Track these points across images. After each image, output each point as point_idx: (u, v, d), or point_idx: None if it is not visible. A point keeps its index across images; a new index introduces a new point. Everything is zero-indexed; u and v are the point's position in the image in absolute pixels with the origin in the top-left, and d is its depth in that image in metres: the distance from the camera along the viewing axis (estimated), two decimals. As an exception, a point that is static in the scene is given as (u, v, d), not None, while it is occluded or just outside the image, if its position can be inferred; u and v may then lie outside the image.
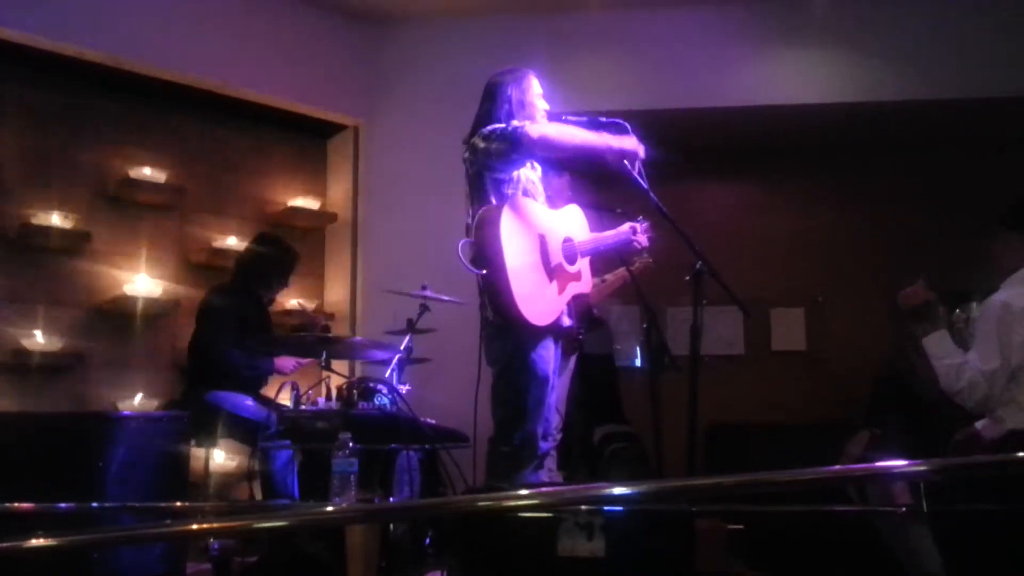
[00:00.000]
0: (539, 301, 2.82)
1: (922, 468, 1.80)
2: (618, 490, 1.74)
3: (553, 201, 3.25)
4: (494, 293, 2.74)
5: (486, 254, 2.75)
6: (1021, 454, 1.78)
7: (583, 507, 2.18)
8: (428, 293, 3.61)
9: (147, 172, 4.42)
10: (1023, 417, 2.64)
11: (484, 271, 2.74)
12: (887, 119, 5.19)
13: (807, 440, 4.77)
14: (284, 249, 4.10)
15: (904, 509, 2.34)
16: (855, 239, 5.61)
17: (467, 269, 2.78)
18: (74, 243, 4.19)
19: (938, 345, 2.81)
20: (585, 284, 3.14)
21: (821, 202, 5.77)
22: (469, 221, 2.89)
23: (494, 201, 2.87)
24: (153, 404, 4.18)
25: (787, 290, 5.64)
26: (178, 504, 3.00)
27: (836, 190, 5.74)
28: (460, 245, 2.78)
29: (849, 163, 5.65)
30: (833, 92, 4.95)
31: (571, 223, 3.10)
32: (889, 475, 1.91)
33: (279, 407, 3.33)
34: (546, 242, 2.93)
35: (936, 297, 2.91)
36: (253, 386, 3.89)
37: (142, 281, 4.32)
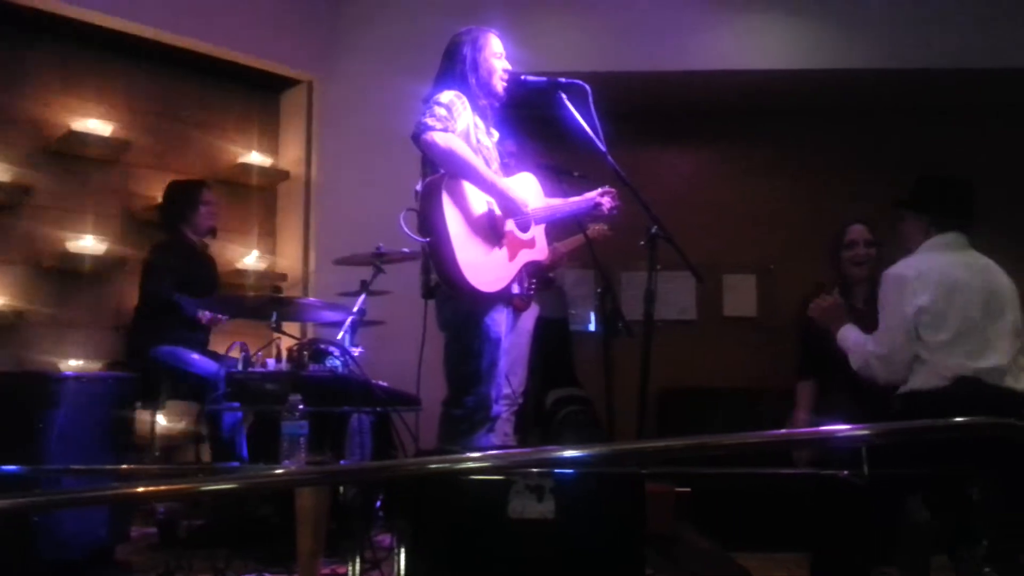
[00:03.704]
0: (486, 268, 2.81)
1: (864, 432, 1.85)
2: (569, 453, 1.75)
3: (509, 168, 3.22)
4: (439, 262, 2.72)
5: (429, 223, 2.73)
6: (959, 419, 1.82)
7: (534, 470, 2.19)
8: (383, 251, 3.56)
9: (91, 125, 4.27)
10: (922, 378, 2.72)
11: (428, 239, 2.72)
12: (846, 87, 5.23)
13: (755, 405, 4.86)
14: (186, 182, 4.12)
15: (846, 473, 2.40)
16: (809, 208, 5.67)
17: (410, 239, 2.77)
18: (14, 198, 4.04)
19: (846, 338, 2.93)
20: (540, 251, 3.12)
21: (776, 170, 5.82)
22: (418, 188, 2.86)
23: (441, 169, 2.83)
24: (97, 365, 4.09)
25: (740, 257, 5.70)
26: (123, 467, 2.94)
27: (792, 158, 5.79)
28: (402, 215, 2.75)
29: (805, 131, 5.70)
30: (794, 59, 4.97)
31: (524, 190, 3.06)
32: (832, 439, 1.95)
33: (228, 362, 3.28)
34: (493, 209, 2.91)
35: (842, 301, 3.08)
36: (199, 341, 3.83)
37: (86, 238, 4.20)
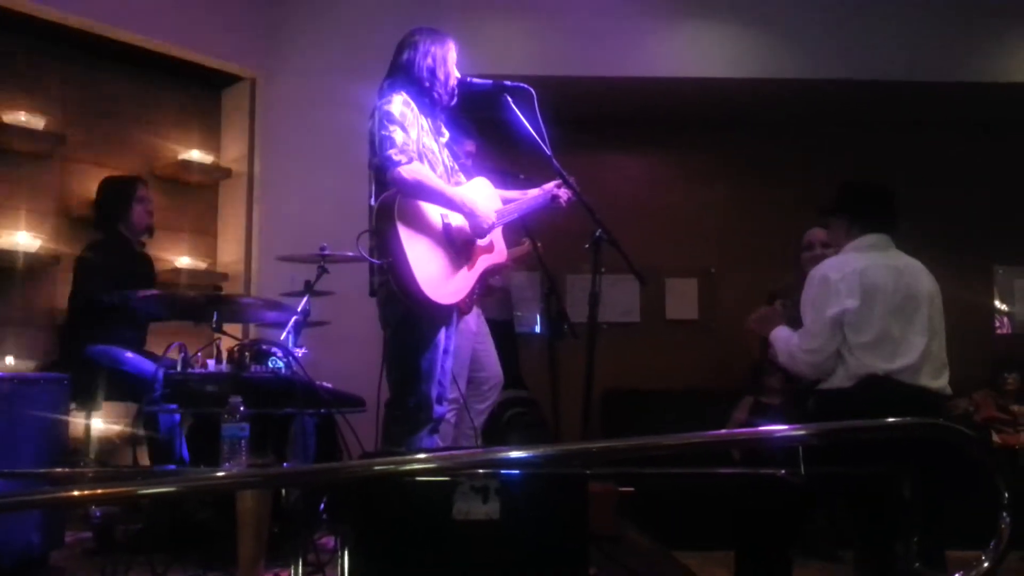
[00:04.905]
0: (446, 281, 2.83)
1: (800, 433, 1.91)
2: (515, 454, 1.76)
3: (466, 168, 3.23)
4: (399, 281, 2.73)
5: (385, 245, 2.73)
6: (891, 419, 1.89)
7: (480, 471, 2.20)
8: (327, 254, 3.53)
9: (23, 118, 4.13)
10: (837, 378, 2.83)
11: (387, 260, 2.72)
12: (787, 96, 5.35)
13: (697, 406, 4.96)
14: (121, 179, 4.03)
15: (784, 472, 2.47)
16: (749, 214, 5.80)
17: (368, 261, 2.78)
18: (-59, 192, 3.91)
19: (776, 337, 3.03)
20: (499, 254, 3.14)
21: (718, 176, 5.94)
22: (372, 202, 2.85)
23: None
24: (30, 365, 3.96)
25: (682, 261, 5.80)
26: (58, 470, 2.86)
27: (733, 165, 5.91)
28: (357, 237, 2.76)
29: (746, 139, 5.82)
30: (736, 68, 5.07)
31: (477, 196, 3.06)
32: (770, 439, 2.01)
33: (166, 363, 3.21)
34: (448, 221, 2.91)
35: (781, 312, 3.16)
36: (135, 341, 3.74)
37: (18, 234, 4.06)
